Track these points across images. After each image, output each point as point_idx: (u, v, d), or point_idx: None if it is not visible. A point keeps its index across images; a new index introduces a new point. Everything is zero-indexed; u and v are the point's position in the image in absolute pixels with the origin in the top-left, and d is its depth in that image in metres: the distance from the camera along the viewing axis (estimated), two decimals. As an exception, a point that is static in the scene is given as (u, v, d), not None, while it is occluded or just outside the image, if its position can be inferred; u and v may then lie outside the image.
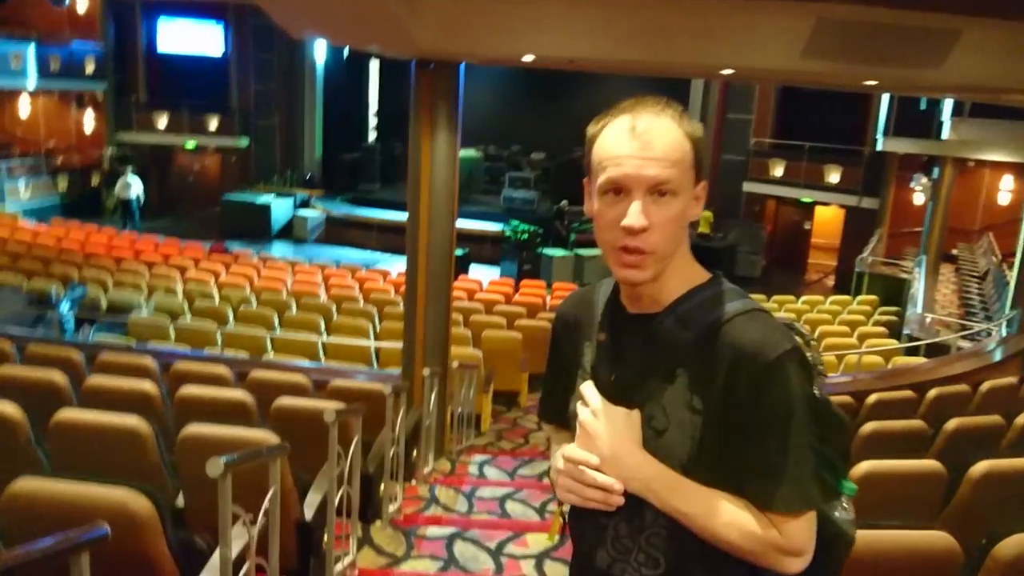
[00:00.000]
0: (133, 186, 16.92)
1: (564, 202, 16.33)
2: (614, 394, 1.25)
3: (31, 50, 18.49)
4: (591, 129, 1.25)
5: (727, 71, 5.35)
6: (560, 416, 1.42)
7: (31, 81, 18.77)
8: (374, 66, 23.32)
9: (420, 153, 6.01)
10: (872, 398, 5.41)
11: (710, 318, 1.20)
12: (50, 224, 14.62)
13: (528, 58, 5.84)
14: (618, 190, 1.17)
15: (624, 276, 1.21)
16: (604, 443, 1.21)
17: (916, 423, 4.48)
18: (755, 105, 18.44)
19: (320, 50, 21.75)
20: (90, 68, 20.58)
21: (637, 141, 1.16)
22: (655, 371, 1.22)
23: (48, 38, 19.83)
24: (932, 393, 5.56)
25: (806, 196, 17.76)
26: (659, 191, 1.16)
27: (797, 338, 1.21)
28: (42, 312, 7.47)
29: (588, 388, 1.29)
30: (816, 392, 1.20)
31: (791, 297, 12.81)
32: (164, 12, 21.69)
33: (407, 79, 5.94)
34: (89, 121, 21.92)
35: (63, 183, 19.39)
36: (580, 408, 1.28)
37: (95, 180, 20.27)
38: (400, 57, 6.21)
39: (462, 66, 5.98)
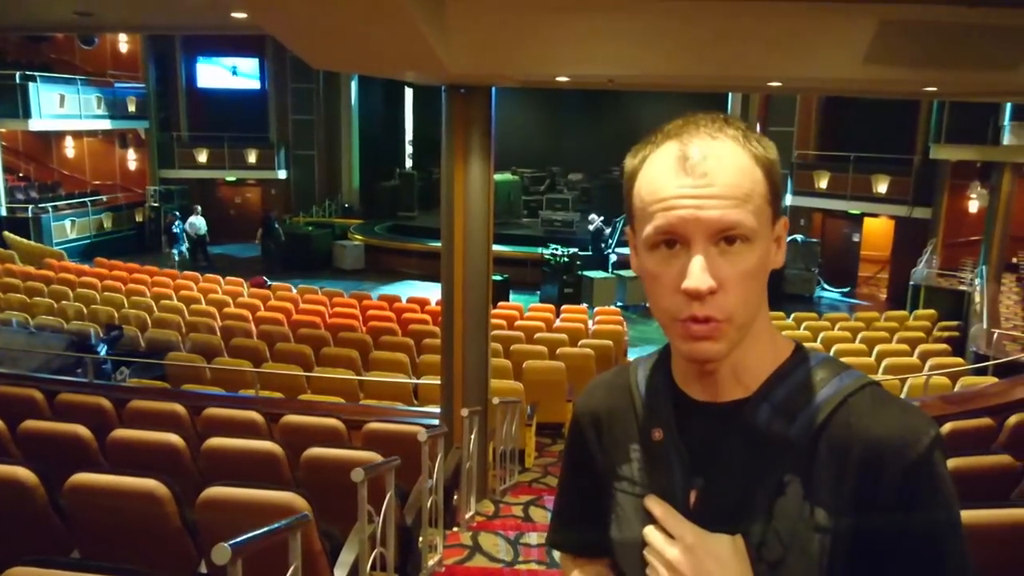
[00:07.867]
0: (200, 224, 17.93)
1: (593, 215, 16.00)
2: (698, 515, 0.92)
3: (76, 91, 18.90)
4: (629, 163, 0.94)
5: (776, 83, 5.04)
6: (588, 546, 1.09)
7: (76, 122, 19.18)
8: (409, 93, 23.41)
9: (453, 179, 5.81)
10: (947, 427, 4.98)
11: (816, 402, 0.90)
12: (93, 263, 14.77)
13: (563, 78, 5.60)
14: (672, 242, 0.87)
15: (694, 352, 0.89)
16: None
17: (1003, 459, 4.06)
18: (797, 116, 18.04)
19: (356, 80, 21.88)
20: (133, 107, 21.00)
21: (691, 175, 0.85)
22: (758, 481, 0.90)
23: (92, 80, 20.28)
24: (1013, 420, 5.11)
25: (854, 208, 17.23)
26: (726, 238, 0.85)
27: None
28: (81, 355, 7.40)
29: (663, 508, 0.93)
30: None
31: (844, 315, 12.31)
32: (203, 50, 22.06)
33: (441, 104, 5.75)
34: (132, 159, 22.33)
35: (108, 221, 19.74)
36: (654, 538, 0.92)
37: (139, 217, 20.61)
38: (430, 83, 6.02)
39: (493, 89, 5.77)
